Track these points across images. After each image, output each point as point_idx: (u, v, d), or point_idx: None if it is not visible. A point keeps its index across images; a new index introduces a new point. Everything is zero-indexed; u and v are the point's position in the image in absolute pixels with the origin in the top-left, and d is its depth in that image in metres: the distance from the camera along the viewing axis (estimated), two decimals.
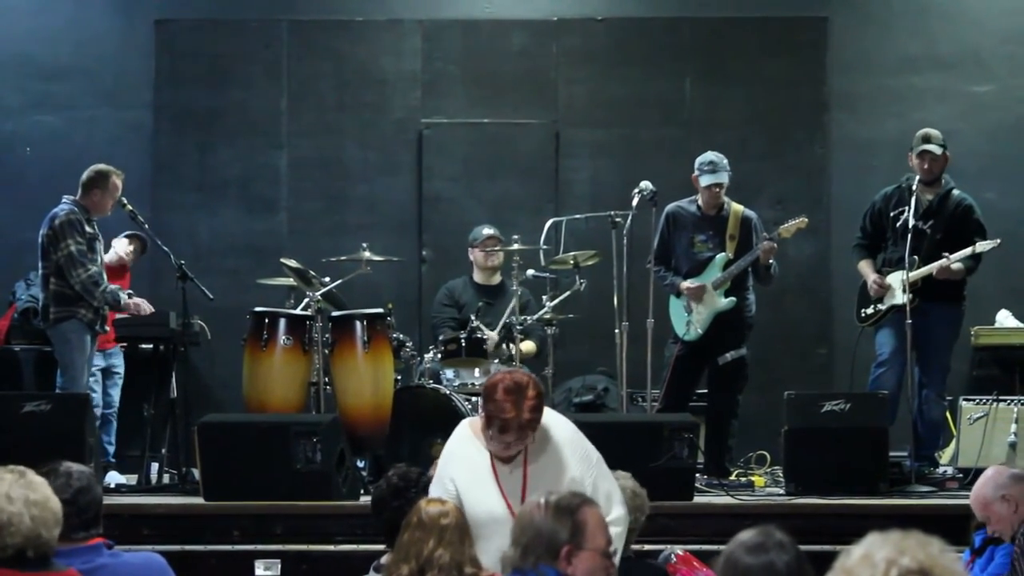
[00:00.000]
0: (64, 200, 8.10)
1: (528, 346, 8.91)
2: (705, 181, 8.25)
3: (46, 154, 10.22)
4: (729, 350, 8.21)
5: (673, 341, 8.33)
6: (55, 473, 4.03)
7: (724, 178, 8.25)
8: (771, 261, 8.20)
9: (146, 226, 8.30)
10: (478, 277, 9.31)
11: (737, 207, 8.36)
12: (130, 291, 8.48)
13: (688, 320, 8.24)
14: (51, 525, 3.63)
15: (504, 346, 8.64)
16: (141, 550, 4.70)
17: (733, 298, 8.20)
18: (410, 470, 4.71)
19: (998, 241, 7.93)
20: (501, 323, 8.71)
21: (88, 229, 8.06)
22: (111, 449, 8.33)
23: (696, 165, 8.33)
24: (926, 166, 7.99)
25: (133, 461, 8.37)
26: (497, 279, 9.29)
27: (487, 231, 9.23)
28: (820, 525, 6.68)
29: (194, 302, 8.19)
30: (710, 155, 8.32)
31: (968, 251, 7.85)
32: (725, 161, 8.30)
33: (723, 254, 8.26)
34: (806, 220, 8.27)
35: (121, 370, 8.47)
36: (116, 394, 8.44)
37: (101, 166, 8.20)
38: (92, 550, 4.03)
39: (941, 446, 8.53)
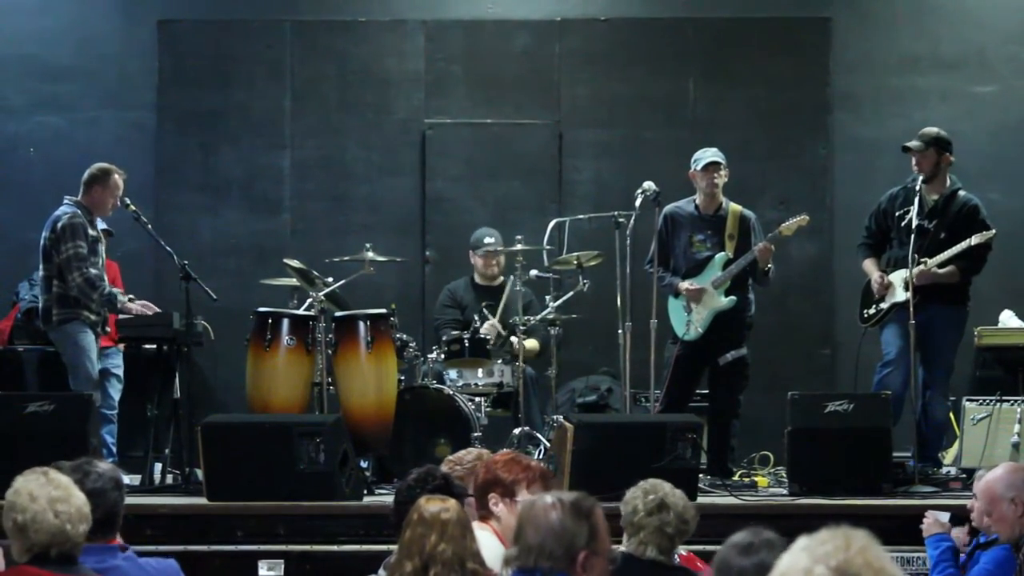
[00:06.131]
0: (65, 201, 8.11)
1: (532, 344, 8.92)
2: (704, 160, 8.22)
3: (49, 155, 10.24)
4: (729, 350, 8.20)
5: (673, 341, 8.32)
6: (75, 470, 4.03)
7: (721, 158, 8.22)
8: (770, 265, 8.20)
9: (149, 226, 8.29)
10: (480, 278, 9.33)
11: (735, 207, 8.36)
12: (131, 295, 8.48)
13: (688, 320, 8.23)
14: (76, 522, 3.65)
15: (508, 343, 8.66)
16: (145, 551, 4.69)
17: (733, 297, 8.20)
18: (430, 472, 4.70)
19: (992, 232, 7.92)
20: (500, 313, 8.76)
21: (91, 232, 8.07)
22: (112, 448, 8.30)
23: (692, 162, 8.34)
24: (913, 163, 8.02)
25: (136, 461, 8.36)
26: (499, 280, 9.31)
27: (488, 240, 9.24)
28: (823, 526, 6.64)
29: (197, 302, 8.18)
30: (703, 149, 8.34)
31: (964, 245, 7.83)
32: (721, 155, 8.29)
33: (722, 253, 8.25)
34: (807, 218, 8.27)
35: (120, 371, 8.39)
36: (116, 394, 8.37)
37: (103, 164, 8.21)
38: (106, 550, 4.03)
39: (944, 447, 8.52)
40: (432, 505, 4.04)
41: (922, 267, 7.84)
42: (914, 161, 8.01)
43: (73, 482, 3.87)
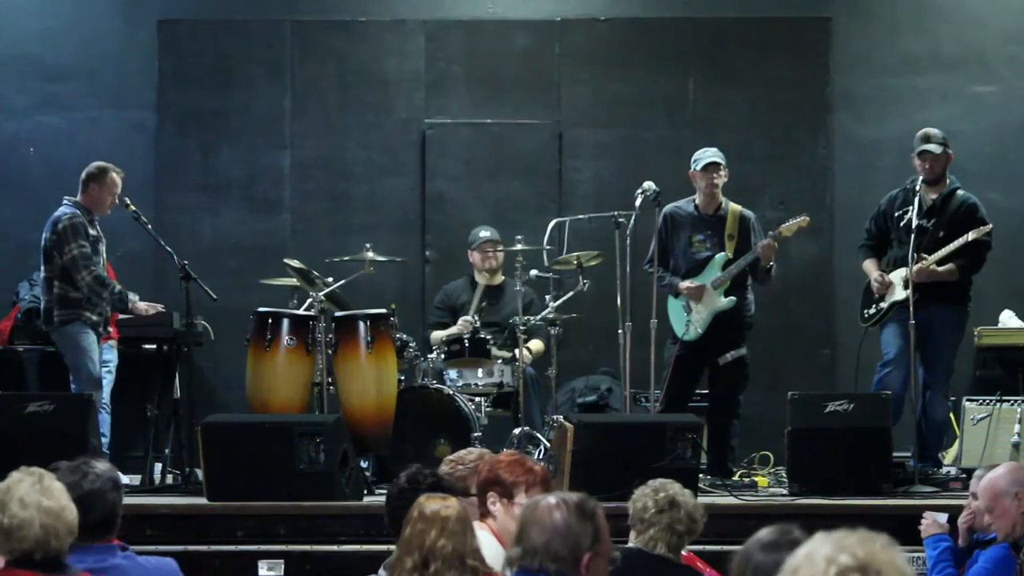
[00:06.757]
0: (65, 202, 8.10)
1: (536, 345, 8.92)
2: (703, 160, 8.23)
3: (50, 155, 10.23)
4: (729, 350, 8.20)
5: (672, 341, 8.32)
6: (74, 471, 4.02)
7: (721, 159, 8.22)
8: (772, 263, 8.20)
9: (149, 226, 8.30)
10: (479, 277, 9.32)
11: (735, 206, 8.36)
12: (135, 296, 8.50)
13: (687, 320, 8.23)
14: (63, 535, 3.60)
15: (509, 346, 8.67)
16: (145, 551, 4.69)
17: (733, 297, 8.20)
18: (420, 472, 4.69)
19: (989, 226, 7.92)
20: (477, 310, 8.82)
21: (91, 231, 8.07)
22: (105, 441, 8.24)
23: (691, 162, 8.34)
24: (927, 166, 7.99)
25: (136, 461, 8.37)
26: (499, 279, 9.31)
27: (484, 233, 9.25)
28: (823, 526, 6.59)
29: (198, 302, 8.18)
30: (703, 149, 8.34)
31: (961, 241, 7.83)
32: (721, 155, 8.30)
33: (722, 254, 8.25)
34: (807, 219, 8.27)
35: (113, 365, 8.35)
36: (108, 387, 8.27)
37: (99, 162, 8.21)
38: (106, 549, 4.03)
39: (944, 447, 8.52)
40: (432, 502, 4.03)
41: (922, 264, 7.83)
42: (927, 164, 7.97)
43: (71, 485, 3.85)
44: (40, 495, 3.59)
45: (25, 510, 3.56)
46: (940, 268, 7.88)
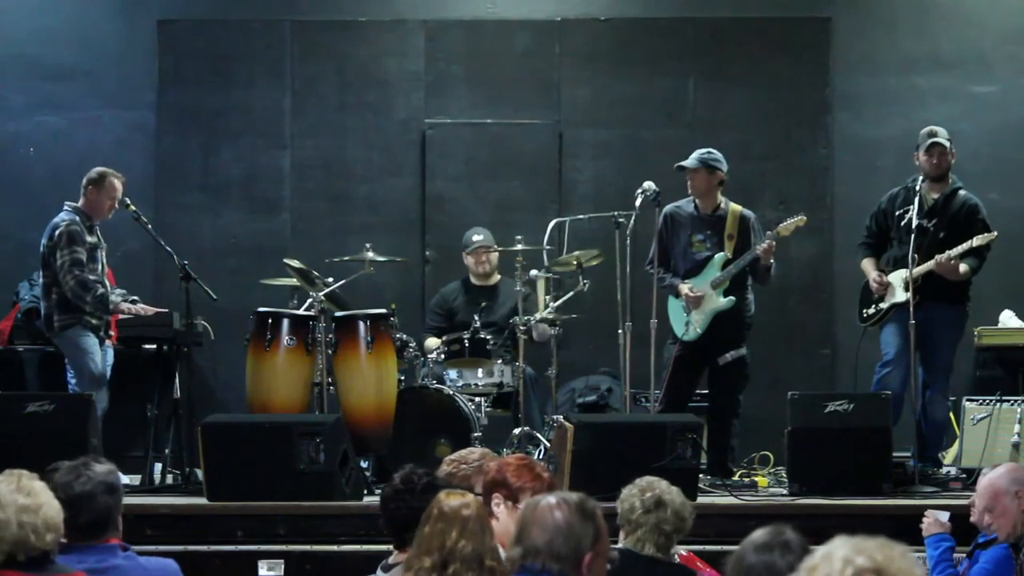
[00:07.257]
0: (65, 208, 8.11)
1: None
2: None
3: (49, 155, 10.23)
4: (729, 350, 8.20)
5: (672, 341, 8.32)
6: (71, 472, 4.01)
7: (692, 163, 8.21)
8: (771, 261, 8.20)
9: (149, 226, 8.29)
10: (473, 278, 9.34)
11: (735, 207, 8.36)
12: (135, 298, 8.49)
13: (687, 320, 8.22)
14: (42, 532, 3.57)
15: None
16: (145, 551, 4.68)
17: (732, 297, 8.19)
18: (414, 472, 4.68)
19: (995, 234, 7.92)
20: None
21: (89, 238, 8.07)
22: None
23: None
24: (935, 160, 7.97)
25: (136, 461, 8.36)
26: (495, 279, 9.32)
27: (476, 238, 9.25)
28: (823, 526, 6.64)
29: (198, 302, 8.18)
30: (697, 150, 8.34)
31: (966, 245, 7.83)
32: (707, 153, 8.24)
33: (721, 254, 8.25)
34: (805, 218, 8.26)
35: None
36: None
37: (100, 168, 8.21)
38: (106, 550, 4.02)
39: (944, 447, 8.52)
40: (452, 500, 3.97)
41: (943, 257, 7.78)
42: (934, 159, 7.96)
43: (63, 486, 3.84)
44: (17, 494, 3.57)
45: (2, 511, 3.54)
46: (962, 269, 7.86)
